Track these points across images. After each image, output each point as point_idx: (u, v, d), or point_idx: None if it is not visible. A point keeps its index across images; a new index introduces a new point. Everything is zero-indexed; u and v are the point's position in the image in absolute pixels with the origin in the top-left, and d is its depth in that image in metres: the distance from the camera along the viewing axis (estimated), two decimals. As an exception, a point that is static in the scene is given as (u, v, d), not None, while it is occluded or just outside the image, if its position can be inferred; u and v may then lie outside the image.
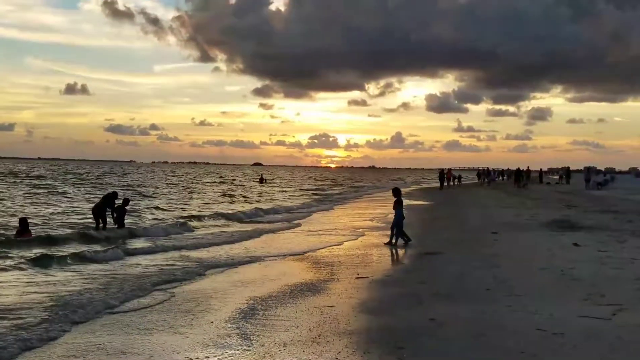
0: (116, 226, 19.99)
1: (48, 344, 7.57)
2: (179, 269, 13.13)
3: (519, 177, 56.37)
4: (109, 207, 20.15)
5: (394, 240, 17.03)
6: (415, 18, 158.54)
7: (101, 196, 21.06)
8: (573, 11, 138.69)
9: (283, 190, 56.50)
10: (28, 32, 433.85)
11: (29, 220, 18.45)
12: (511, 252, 14.32)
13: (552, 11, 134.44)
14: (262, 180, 73.39)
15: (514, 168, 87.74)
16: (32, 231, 17.97)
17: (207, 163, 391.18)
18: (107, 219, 20.03)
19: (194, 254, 15.69)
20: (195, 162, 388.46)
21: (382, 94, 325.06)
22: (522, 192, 44.92)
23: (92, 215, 20.78)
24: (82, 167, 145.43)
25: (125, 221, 20.47)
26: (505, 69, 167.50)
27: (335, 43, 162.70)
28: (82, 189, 48.29)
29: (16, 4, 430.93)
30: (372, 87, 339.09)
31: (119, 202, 20.74)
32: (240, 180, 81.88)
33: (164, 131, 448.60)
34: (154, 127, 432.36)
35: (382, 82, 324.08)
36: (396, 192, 17.88)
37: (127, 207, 21.03)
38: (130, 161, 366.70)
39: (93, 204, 22.62)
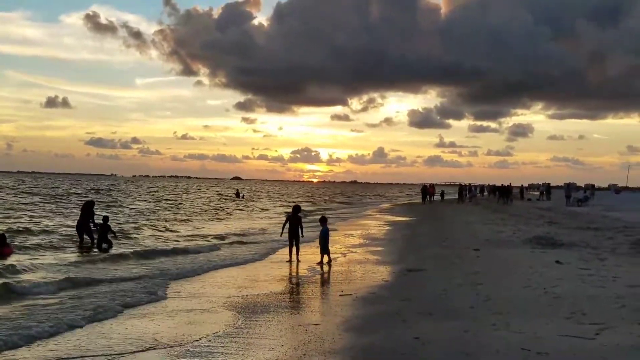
0: (95, 244, 19.77)
1: None
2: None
3: (505, 193, 56.79)
4: (90, 217, 19.94)
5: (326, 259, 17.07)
6: (397, 34, 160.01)
7: (80, 210, 20.71)
8: (554, 30, 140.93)
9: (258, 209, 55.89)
10: (8, 45, 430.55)
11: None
12: (493, 269, 14.38)
13: (533, 29, 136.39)
14: (237, 195, 73.01)
15: (494, 184, 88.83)
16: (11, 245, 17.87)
17: (189, 177, 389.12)
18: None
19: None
20: (176, 176, 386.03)
21: (364, 109, 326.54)
22: (503, 208, 45.24)
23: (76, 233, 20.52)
24: (65, 181, 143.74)
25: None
26: (487, 85, 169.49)
27: (317, 58, 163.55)
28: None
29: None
30: (355, 102, 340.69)
31: (98, 217, 20.53)
32: (219, 198, 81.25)
33: (145, 145, 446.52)
34: (135, 140, 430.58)
35: (365, 97, 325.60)
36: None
37: (110, 226, 20.69)
38: (111, 175, 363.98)
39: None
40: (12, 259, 16.23)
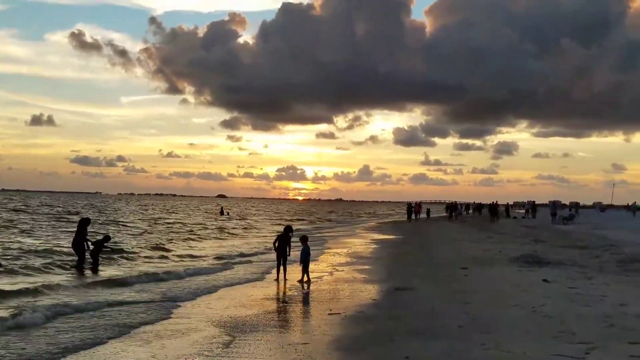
0: (91, 260, 19.58)
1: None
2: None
3: (493, 211, 57.10)
4: (85, 234, 19.79)
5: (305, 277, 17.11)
6: (383, 52, 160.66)
7: (75, 229, 20.53)
8: (538, 47, 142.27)
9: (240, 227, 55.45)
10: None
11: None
12: (481, 288, 14.40)
13: (518, 47, 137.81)
14: (222, 212, 73.05)
15: (480, 202, 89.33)
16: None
17: (174, 195, 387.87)
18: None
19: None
20: (161, 194, 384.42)
21: (350, 127, 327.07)
22: (489, 226, 45.43)
23: (73, 252, 20.25)
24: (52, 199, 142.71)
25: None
26: (472, 103, 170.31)
27: (303, 76, 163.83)
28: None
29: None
30: (341, 120, 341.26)
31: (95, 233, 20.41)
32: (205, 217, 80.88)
33: (130, 163, 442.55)
34: (120, 158, 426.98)
35: (351, 115, 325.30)
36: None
37: (106, 244, 20.51)
38: (96, 192, 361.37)
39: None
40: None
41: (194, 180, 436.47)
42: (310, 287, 15.93)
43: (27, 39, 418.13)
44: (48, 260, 20.45)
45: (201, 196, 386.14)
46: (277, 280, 17.31)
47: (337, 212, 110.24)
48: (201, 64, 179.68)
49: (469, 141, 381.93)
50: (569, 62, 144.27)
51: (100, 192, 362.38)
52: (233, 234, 41.48)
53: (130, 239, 32.59)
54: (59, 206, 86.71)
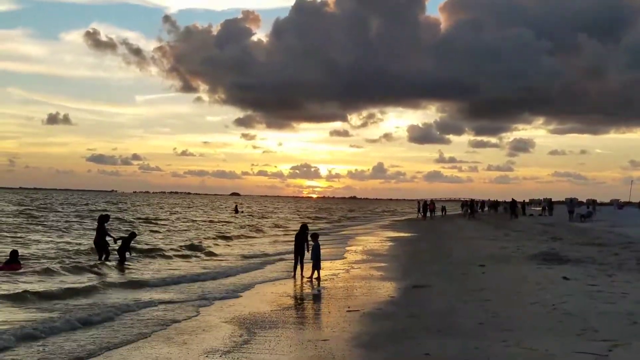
0: (118, 257, 19.71)
1: None
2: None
3: (513, 208, 56.78)
4: (105, 231, 19.89)
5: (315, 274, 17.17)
6: (397, 49, 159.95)
7: (96, 227, 20.60)
8: (554, 44, 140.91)
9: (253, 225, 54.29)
10: (10, 63, 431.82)
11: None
12: (500, 286, 14.32)
13: (534, 44, 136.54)
14: (236, 211, 73.24)
15: (495, 199, 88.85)
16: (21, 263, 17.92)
17: (189, 193, 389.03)
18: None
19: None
20: (176, 192, 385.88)
21: (364, 124, 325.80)
22: (506, 223, 45.16)
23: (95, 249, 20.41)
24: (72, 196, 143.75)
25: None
26: (487, 100, 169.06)
27: (317, 74, 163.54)
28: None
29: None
30: (354, 118, 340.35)
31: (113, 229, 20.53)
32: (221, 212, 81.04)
33: (145, 161, 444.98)
34: (135, 157, 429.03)
35: (364, 113, 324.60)
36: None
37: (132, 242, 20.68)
38: (112, 191, 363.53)
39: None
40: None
41: (208, 179, 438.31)
42: (327, 285, 15.92)
43: (43, 38, 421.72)
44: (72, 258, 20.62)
45: (215, 194, 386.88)
46: (294, 277, 17.36)
47: (352, 210, 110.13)
48: (215, 62, 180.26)
49: (485, 138, 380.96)
50: (585, 59, 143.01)
51: (116, 191, 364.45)
52: (262, 231, 41.39)
53: (162, 237, 32.82)
54: (82, 204, 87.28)
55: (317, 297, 13.98)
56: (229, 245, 30.21)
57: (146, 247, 25.37)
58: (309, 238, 17.73)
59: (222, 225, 47.07)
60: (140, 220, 48.24)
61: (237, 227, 45.32)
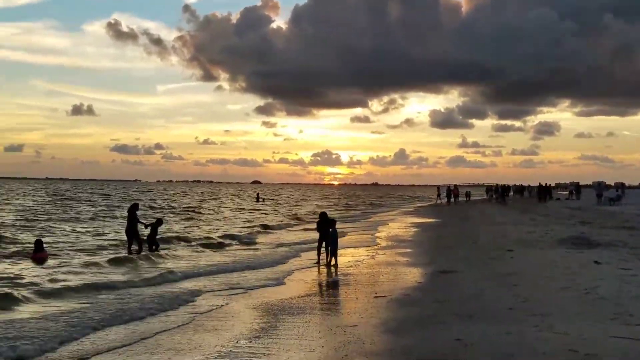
0: (146, 245, 19.74)
1: None
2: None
3: (543, 193, 56.17)
4: (135, 219, 19.95)
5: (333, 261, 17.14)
6: (417, 33, 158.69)
7: (126, 216, 20.68)
8: (579, 25, 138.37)
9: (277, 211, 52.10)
10: (34, 55, 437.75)
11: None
12: (529, 270, 14.13)
13: (558, 25, 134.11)
14: (258, 199, 73.41)
15: (520, 184, 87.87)
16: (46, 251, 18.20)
17: (211, 181, 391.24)
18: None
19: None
20: (198, 181, 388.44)
21: (385, 110, 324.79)
22: (532, 208, 44.65)
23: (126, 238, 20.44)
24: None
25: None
26: (511, 83, 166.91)
27: (337, 60, 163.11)
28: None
29: (22, 27, 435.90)
30: (375, 104, 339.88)
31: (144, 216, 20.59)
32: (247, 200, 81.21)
33: (168, 150, 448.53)
34: (158, 146, 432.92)
35: (385, 99, 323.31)
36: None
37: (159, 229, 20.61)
38: (136, 180, 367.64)
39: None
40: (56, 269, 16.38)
41: (230, 167, 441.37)
42: (353, 271, 15.85)
43: (65, 30, 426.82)
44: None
45: (237, 182, 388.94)
46: (317, 264, 17.31)
47: (375, 196, 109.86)
48: (235, 50, 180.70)
49: (508, 122, 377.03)
50: (612, 39, 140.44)
51: (140, 180, 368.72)
52: (299, 219, 40.80)
53: (197, 225, 32.81)
54: (116, 194, 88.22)
55: (343, 284, 13.91)
56: (265, 233, 29.67)
57: (182, 235, 25.34)
58: (327, 225, 17.63)
59: (254, 213, 46.99)
60: (175, 209, 48.53)
61: (274, 215, 44.81)
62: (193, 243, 23.27)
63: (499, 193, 65.18)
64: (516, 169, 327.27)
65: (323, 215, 18.48)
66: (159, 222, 20.78)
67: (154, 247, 19.71)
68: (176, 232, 27.39)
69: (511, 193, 79.97)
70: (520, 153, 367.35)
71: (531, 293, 11.30)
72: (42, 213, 38.76)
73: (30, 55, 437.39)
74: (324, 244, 17.66)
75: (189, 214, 42.73)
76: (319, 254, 17.71)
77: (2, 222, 29.97)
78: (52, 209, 44.36)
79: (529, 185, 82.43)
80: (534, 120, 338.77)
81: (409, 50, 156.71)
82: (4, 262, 16.74)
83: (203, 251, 21.05)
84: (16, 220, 32.06)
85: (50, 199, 63.53)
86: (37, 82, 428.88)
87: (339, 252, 17.61)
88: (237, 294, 12.82)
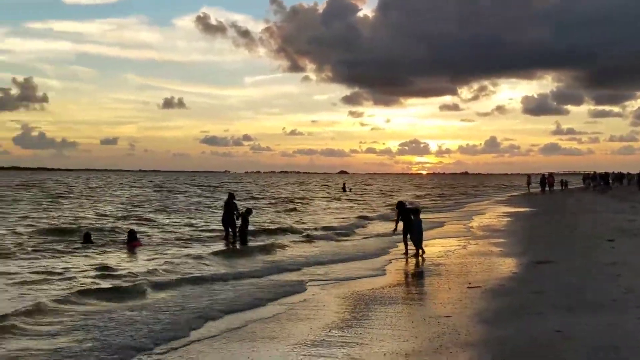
0: (238, 235, 20.14)
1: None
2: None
3: None
4: (233, 208, 20.39)
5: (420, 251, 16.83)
6: (508, 18, 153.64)
7: (224, 205, 21.25)
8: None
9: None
10: (127, 50, 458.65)
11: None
12: (632, 260, 13.50)
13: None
14: (344, 189, 73.52)
15: (620, 171, 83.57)
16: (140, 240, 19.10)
17: (298, 172, 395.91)
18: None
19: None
20: (286, 172, 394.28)
21: (475, 97, 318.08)
22: (632, 196, 42.46)
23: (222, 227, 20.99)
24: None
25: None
26: (608, 67, 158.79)
27: (425, 47, 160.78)
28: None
29: (115, 23, 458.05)
30: (465, 91, 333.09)
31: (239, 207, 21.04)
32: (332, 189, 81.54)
33: (256, 141, 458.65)
34: (246, 137, 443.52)
35: (475, 86, 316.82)
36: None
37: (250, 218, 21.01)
38: (225, 171, 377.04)
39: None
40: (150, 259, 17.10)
41: (317, 157, 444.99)
42: (445, 261, 15.65)
43: (156, 24, 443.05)
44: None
45: (324, 173, 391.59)
46: (406, 254, 17.19)
47: (465, 185, 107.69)
48: (321, 40, 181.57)
49: (606, 108, 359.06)
50: None
51: (229, 171, 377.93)
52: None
53: (298, 217, 32.96)
54: (210, 185, 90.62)
55: (435, 274, 13.75)
56: (362, 224, 28.95)
57: (284, 226, 25.58)
58: (411, 214, 17.36)
59: (344, 203, 47.01)
60: (273, 200, 49.21)
61: (365, 205, 44.52)
62: (294, 234, 23.31)
63: (597, 181, 62.34)
64: (614, 156, 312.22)
65: (401, 204, 18.25)
66: (249, 211, 21.12)
67: (245, 238, 20.06)
68: (277, 223, 27.66)
69: (610, 181, 76.37)
70: (618, 139, 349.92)
71: (636, 284, 10.79)
72: (143, 204, 40.28)
73: (123, 50, 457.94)
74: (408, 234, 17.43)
75: (288, 205, 42.60)
76: (406, 245, 17.48)
77: (104, 214, 31.40)
78: (154, 200, 46.27)
79: (629, 173, 78.31)
80: (633, 105, 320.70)
81: (500, 36, 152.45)
82: (108, 252, 17.33)
83: (304, 242, 20.82)
84: (117, 211, 33.42)
85: (151, 190, 66.08)
86: (130, 76, 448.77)
87: (426, 242, 17.43)
88: (331, 284, 12.91)
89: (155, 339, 8.22)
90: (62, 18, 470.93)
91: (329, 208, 41.32)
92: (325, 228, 25.80)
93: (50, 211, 32.76)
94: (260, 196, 56.52)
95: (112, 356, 7.39)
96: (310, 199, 52.43)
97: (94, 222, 26.10)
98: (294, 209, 38.54)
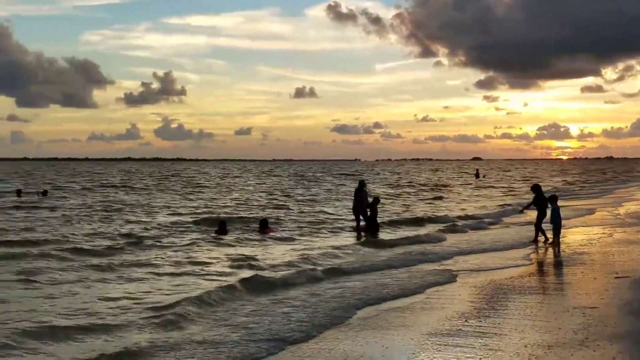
0: (369, 225, 19.93)
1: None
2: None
3: None
4: (363, 197, 20.32)
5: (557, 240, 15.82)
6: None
7: (354, 193, 21.28)
8: None
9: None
10: (259, 42, 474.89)
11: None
12: None
13: None
14: (477, 175, 71.45)
15: None
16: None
17: (430, 159, 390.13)
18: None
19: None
20: (417, 159, 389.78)
21: (620, 78, 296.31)
22: None
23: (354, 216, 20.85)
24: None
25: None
26: None
27: (565, 27, 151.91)
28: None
29: (247, 16, 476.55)
30: (609, 72, 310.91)
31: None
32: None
33: (386, 129, 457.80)
34: (377, 125, 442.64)
35: (621, 66, 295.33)
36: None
37: (377, 207, 20.73)
38: (355, 159, 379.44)
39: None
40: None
41: (449, 144, 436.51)
42: (588, 250, 14.86)
43: (288, 15, 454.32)
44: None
45: (457, 159, 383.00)
46: (535, 242, 16.56)
47: (616, 171, 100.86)
48: (454, 24, 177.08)
49: None
50: None
51: (359, 159, 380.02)
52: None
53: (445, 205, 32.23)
54: (347, 174, 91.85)
55: (578, 263, 13.05)
56: (506, 212, 27.02)
57: (424, 216, 24.93)
58: (548, 201, 16.47)
59: (481, 191, 45.94)
60: (413, 189, 48.72)
61: (505, 193, 42.52)
62: (436, 223, 22.55)
63: None
64: None
65: (536, 188, 17.45)
66: (377, 200, 20.87)
67: (376, 228, 19.84)
68: (414, 212, 27.19)
69: None
70: None
71: None
72: (278, 192, 41.40)
73: (255, 42, 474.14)
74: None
75: (427, 194, 41.29)
76: (543, 233, 16.68)
77: (241, 202, 32.48)
78: (289, 188, 47.63)
79: None
80: None
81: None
82: (244, 241, 17.29)
83: (445, 232, 19.84)
84: (254, 200, 34.50)
85: (289, 179, 67.90)
86: (262, 67, 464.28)
87: (566, 230, 16.60)
88: (469, 273, 12.52)
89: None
90: (198, 12, 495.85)
91: (469, 196, 40.03)
92: (466, 217, 24.95)
93: (190, 200, 34.58)
94: (400, 184, 56.45)
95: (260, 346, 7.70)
96: (450, 187, 51.16)
97: (229, 211, 26.90)
98: (440, 197, 37.56)
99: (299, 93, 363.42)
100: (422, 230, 20.39)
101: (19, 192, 36.49)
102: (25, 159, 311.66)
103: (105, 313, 8.86)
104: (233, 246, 16.24)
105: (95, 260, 13.40)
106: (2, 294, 10.06)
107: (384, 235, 19.28)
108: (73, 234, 17.79)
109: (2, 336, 7.43)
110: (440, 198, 37.14)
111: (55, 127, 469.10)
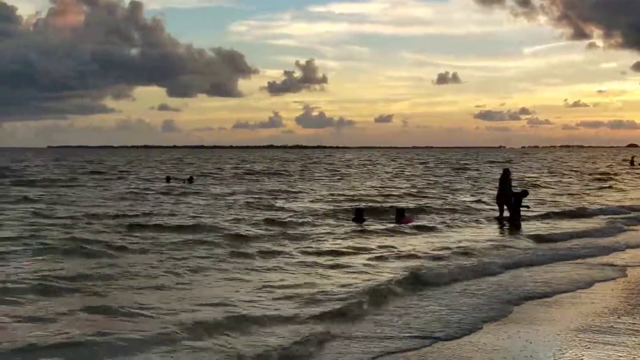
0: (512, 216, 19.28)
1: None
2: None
3: None
4: (508, 186, 19.72)
5: None
6: None
7: (499, 182, 20.43)
8: None
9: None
10: (402, 27, 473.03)
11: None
12: None
13: None
14: (632, 163, 66.79)
15: None
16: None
17: (582, 146, 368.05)
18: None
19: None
20: (567, 146, 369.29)
21: None
22: None
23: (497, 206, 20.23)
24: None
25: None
26: None
27: None
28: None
29: (391, 1, 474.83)
30: None
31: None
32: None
33: (534, 115, 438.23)
34: (523, 111, 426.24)
35: None
36: None
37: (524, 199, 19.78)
38: (500, 147, 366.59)
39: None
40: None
41: (602, 130, 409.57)
42: None
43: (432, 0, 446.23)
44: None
45: (611, 147, 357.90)
46: None
47: None
48: (609, 2, 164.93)
49: None
50: None
51: (504, 146, 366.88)
52: None
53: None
54: (493, 161, 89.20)
55: None
56: None
57: (585, 208, 23.44)
58: None
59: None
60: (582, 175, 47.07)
61: None
62: (595, 216, 21.25)
63: None
64: None
65: None
66: (525, 193, 20.14)
67: (519, 221, 19.06)
68: (569, 205, 25.19)
69: None
70: None
71: None
72: (422, 181, 40.38)
73: (399, 27, 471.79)
74: None
75: (594, 184, 38.32)
76: None
77: (383, 192, 32.03)
78: (430, 176, 46.87)
79: None
80: None
81: None
82: (383, 231, 16.99)
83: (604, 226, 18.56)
84: (395, 188, 33.62)
85: (433, 167, 66.48)
86: (404, 53, 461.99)
87: None
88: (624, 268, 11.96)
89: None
90: (341, 0, 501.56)
91: (637, 186, 37.05)
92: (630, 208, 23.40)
93: (332, 187, 34.87)
94: (558, 171, 54.29)
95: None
96: (614, 175, 47.27)
97: (370, 198, 26.70)
98: (609, 187, 35.15)
99: (442, 79, 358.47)
100: (589, 222, 19.49)
101: (168, 179, 39.23)
102: (174, 146, 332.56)
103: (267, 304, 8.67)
104: (373, 236, 16.06)
105: (248, 249, 13.36)
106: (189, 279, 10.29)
107: (544, 227, 18.38)
108: (216, 221, 17.78)
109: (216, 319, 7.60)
110: (609, 187, 34.83)
111: (202, 115, 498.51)
